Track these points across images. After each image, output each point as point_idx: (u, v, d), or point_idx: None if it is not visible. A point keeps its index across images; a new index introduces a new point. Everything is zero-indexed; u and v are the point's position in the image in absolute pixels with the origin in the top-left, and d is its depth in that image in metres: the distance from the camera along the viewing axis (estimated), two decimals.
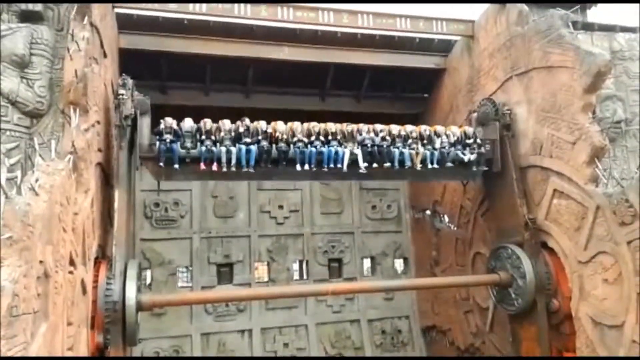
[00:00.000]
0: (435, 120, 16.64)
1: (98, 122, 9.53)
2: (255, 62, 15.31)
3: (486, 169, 13.04)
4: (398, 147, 12.44)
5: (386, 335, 17.41)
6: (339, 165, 11.92)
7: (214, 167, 11.17)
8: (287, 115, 16.63)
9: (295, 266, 17.73)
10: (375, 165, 12.17)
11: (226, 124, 11.56)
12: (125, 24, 13.47)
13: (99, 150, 9.64)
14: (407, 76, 16.73)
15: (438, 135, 12.84)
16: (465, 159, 12.76)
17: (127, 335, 9.35)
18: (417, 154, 12.43)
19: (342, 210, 18.21)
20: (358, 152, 12.07)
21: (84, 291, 7.94)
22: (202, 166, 11.15)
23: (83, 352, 7.57)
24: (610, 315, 10.45)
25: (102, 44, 10.64)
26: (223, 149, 11.22)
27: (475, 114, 13.63)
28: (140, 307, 9.75)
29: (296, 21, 14.06)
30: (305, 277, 17.63)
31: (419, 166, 12.42)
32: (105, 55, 10.99)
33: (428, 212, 17.35)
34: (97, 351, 8.88)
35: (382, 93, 17.38)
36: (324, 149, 11.88)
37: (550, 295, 11.93)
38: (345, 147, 12.12)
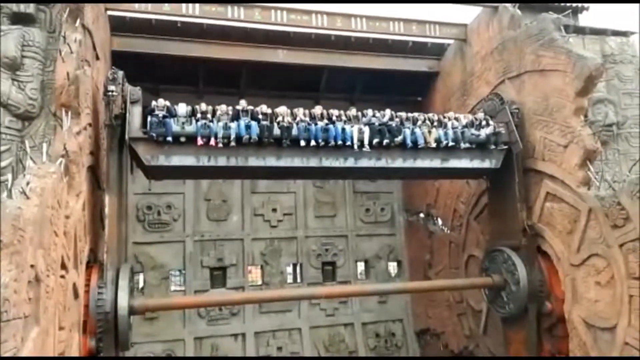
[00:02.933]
0: None
1: (90, 125, 9.47)
2: (248, 65, 15.29)
3: (505, 147, 12.43)
4: (409, 127, 11.87)
5: (380, 338, 17.39)
6: (347, 143, 11.23)
7: (212, 142, 10.47)
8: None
9: (289, 269, 17.69)
10: (386, 141, 11.47)
11: (222, 107, 10.97)
12: (118, 27, 13.42)
13: (91, 153, 9.58)
14: (401, 80, 16.77)
15: (449, 117, 12.48)
16: (483, 134, 12.22)
17: (119, 340, 9.28)
18: (429, 132, 11.90)
19: (336, 213, 18.19)
20: (366, 130, 11.41)
21: (76, 295, 7.87)
22: (200, 141, 10.46)
23: (75, 356, 7.49)
24: (603, 317, 10.49)
25: (94, 46, 10.59)
26: (220, 123, 10.60)
27: (481, 109, 13.30)
28: (132, 311, 9.67)
29: (290, 24, 14.06)
30: (299, 280, 17.58)
31: (433, 144, 11.83)
32: (97, 58, 10.94)
33: (422, 215, 17.37)
34: (89, 355, 8.80)
35: (376, 96, 17.39)
36: (330, 126, 11.26)
37: (542, 301, 11.97)
38: (352, 126, 11.47)
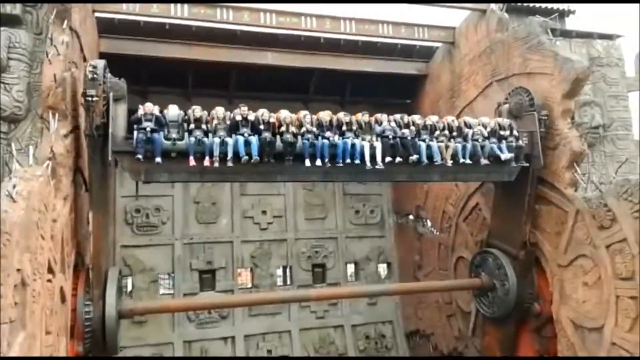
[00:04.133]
0: None
1: (77, 128, 9.38)
2: (237, 68, 15.27)
3: (526, 164, 11.56)
4: (424, 140, 10.87)
5: (370, 340, 17.40)
6: (357, 162, 10.23)
7: (206, 161, 9.33)
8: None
9: (279, 272, 17.64)
10: (398, 159, 10.48)
11: (219, 111, 9.82)
12: (106, 29, 13.33)
13: (79, 155, 9.49)
14: (390, 82, 16.83)
15: (469, 126, 11.46)
16: (503, 157, 11.21)
17: (107, 344, 9.20)
18: (446, 147, 10.91)
19: (326, 215, 18.19)
20: (378, 144, 10.43)
21: (63, 300, 7.79)
22: (192, 161, 9.31)
23: None
24: (590, 318, 10.60)
25: (81, 48, 10.51)
26: (216, 139, 9.38)
27: (506, 106, 12.21)
28: (120, 315, 9.60)
29: (279, 27, 14.05)
30: (289, 282, 17.54)
31: (449, 162, 10.88)
32: (85, 60, 10.84)
33: (411, 217, 17.44)
34: (82, 356, 8.72)
35: (365, 99, 17.43)
36: (339, 141, 10.16)
37: (529, 306, 12.12)
38: (363, 139, 10.45)
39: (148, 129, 9.14)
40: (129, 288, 15.66)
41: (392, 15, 15.59)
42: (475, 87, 13.97)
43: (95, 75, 8.39)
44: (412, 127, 10.92)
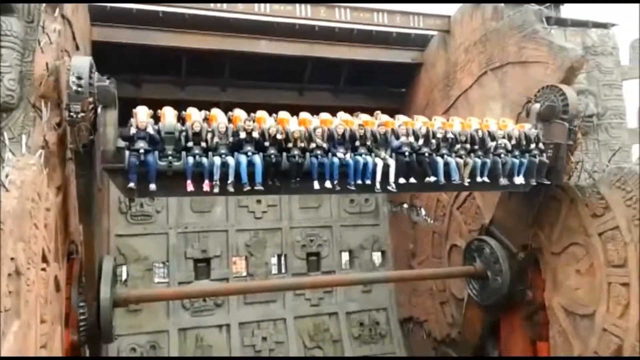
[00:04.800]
0: (412, 115, 16.73)
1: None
2: (232, 56, 15.15)
3: (547, 183, 10.81)
4: (443, 155, 10.07)
5: (364, 327, 17.53)
6: (367, 182, 9.49)
7: (205, 185, 8.64)
8: (265, 110, 16.62)
9: (274, 260, 17.70)
10: (413, 180, 9.77)
11: (221, 123, 8.91)
12: (98, 16, 13.20)
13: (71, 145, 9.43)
14: (385, 71, 16.78)
15: (493, 138, 10.57)
16: (517, 181, 10.55)
17: (102, 332, 9.23)
18: (465, 164, 10.16)
19: (320, 204, 18.22)
20: (392, 162, 9.61)
21: (58, 288, 7.80)
22: (189, 186, 8.60)
23: (57, 349, 7.45)
24: (582, 305, 10.72)
25: (74, 36, 10.40)
26: (217, 160, 8.57)
27: (536, 105, 11.28)
28: (115, 303, 9.62)
29: (273, 14, 13.94)
30: (283, 271, 17.60)
31: (467, 181, 10.23)
32: (77, 48, 10.75)
33: (405, 205, 17.49)
34: (72, 348, 8.75)
35: (360, 87, 17.39)
36: (350, 160, 9.34)
37: (521, 295, 12.25)
38: (377, 154, 9.61)
39: (141, 150, 8.33)
40: (124, 277, 15.69)
41: (387, 3, 15.50)
42: (470, 75, 13.95)
43: (79, 88, 7.30)
44: (433, 141, 10.04)
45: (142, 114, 8.71)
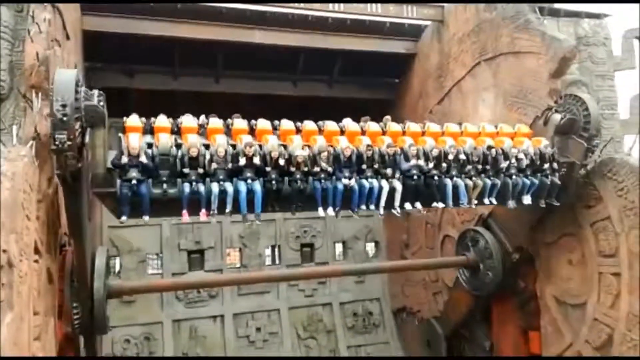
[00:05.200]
0: (405, 106, 16.77)
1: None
2: (224, 46, 15.05)
3: (556, 204, 10.46)
4: (452, 177, 9.60)
5: (358, 317, 17.63)
6: (372, 207, 9.18)
7: (202, 214, 8.30)
8: (258, 101, 16.57)
9: (268, 252, 17.72)
10: (418, 205, 9.49)
11: (220, 147, 8.30)
12: (89, 5, 13.02)
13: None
14: (379, 62, 16.73)
15: (506, 157, 9.98)
16: (525, 200, 10.18)
17: (96, 324, 9.21)
18: (474, 186, 9.71)
19: None
20: (398, 186, 9.16)
21: (50, 280, 7.76)
22: (185, 216, 8.24)
23: (50, 341, 7.43)
24: (574, 295, 10.84)
25: (64, 26, 10.27)
26: (215, 188, 8.14)
27: (557, 117, 10.58)
28: (108, 295, 9.59)
29: (266, 4, 13.84)
30: (277, 262, 17.64)
31: (474, 203, 9.91)
32: (68, 38, 10.62)
33: None
34: (65, 340, 8.73)
35: (354, 78, 17.35)
36: (355, 184, 8.89)
37: (514, 284, 12.32)
38: (384, 176, 9.14)
39: (134, 181, 7.83)
40: (117, 268, 15.65)
41: None
42: (463, 66, 13.94)
43: (64, 117, 6.47)
44: (444, 164, 9.48)
45: (134, 139, 7.94)
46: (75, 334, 9.07)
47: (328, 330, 17.07)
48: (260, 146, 8.68)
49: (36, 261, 6.84)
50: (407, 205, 9.42)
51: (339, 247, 18.63)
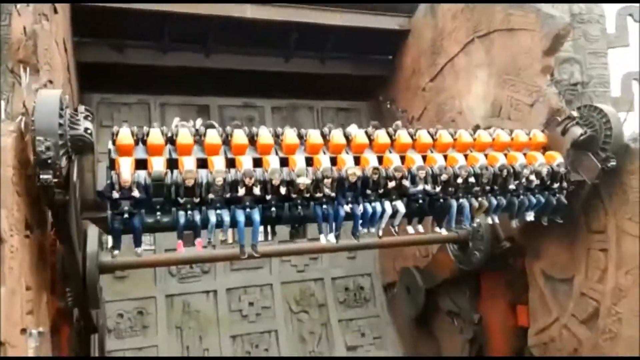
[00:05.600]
0: (398, 83, 16.71)
1: (50, 82, 9.12)
2: (215, 21, 14.84)
3: (560, 222, 10.36)
4: (458, 198, 9.27)
5: (349, 292, 17.83)
6: (372, 230, 9.16)
7: (197, 244, 8.24)
8: (249, 77, 16.45)
9: (260, 227, 17.74)
10: (420, 228, 9.49)
11: (218, 176, 7.73)
12: None
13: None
14: (372, 38, 16.58)
15: (517, 177, 9.51)
16: (528, 217, 10.04)
17: (89, 299, 9.28)
18: (480, 207, 9.41)
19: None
20: (401, 208, 8.88)
21: (42, 255, 7.78)
22: (180, 247, 8.28)
23: (44, 316, 7.48)
24: (562, 270, 11.03)
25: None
26: (212, 218, 7.90)
27: (576, 130, 9.96)
28: (101, 270, 9.65)
29: None
30: (269, 238, 17.68)
31: (476, 222, 9.94)
32: (56, 11, 10.43)
33: None
34: (59, 315, 8.81)
35: (347, 54, 17.21)
36: (357, 208, 8.64)
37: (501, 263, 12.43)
38: (388, 197, 8.77)
39: (126, 215, 7.57)
40: (109, 244, 15.66)
41: None
42: (456, 43, 13.85)
43: (49, 160, 6.13)
44: (451, 188, 9.11)
45: (126, 172, 7.38)
46: (69, 309, 9.15)
47: (320, 305, 17.27)
48: (260, 168, 8.29)
49: (27, 236, 6.85)
50: (409, 229, 9.42)
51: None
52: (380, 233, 9.29)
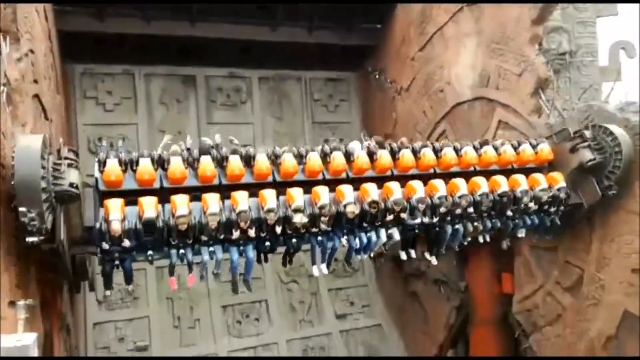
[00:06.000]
0: (387, 52, 16.55)
1: (32, 52, 8.90)
2: None
3: (548, 238, 10.61)
4: (455, 223, 9.17)
5: (338, 262, 17.94)
6: (364, 256, 9.33)
7: (189, 279, 8.04)
8: (235, 46, 16.17)
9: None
10: (413, 254, 9.43)
11: (211, 220, 7.42)
12: None
13: (35, 81, 9.07)
14: (361, 6, 16.34)
15: (516, 203, 9.36)
16: (519, 235, 10.09)
17: (78, 272, 9.23)
18: (474, 229, 9.40)
19: (295, 144, 18.09)
20: (396, 235, 8.80)
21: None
22: (174, 284, 8.29)
23: (33, 288, 7.46)
24: (547, 239, 11.18)
25: None
26: (205, 256, 7.72)
27: (587, 155, 9.57)
28: None
29: None
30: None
31: (467, 241, 9.75)
32: None
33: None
34: (49, 286, 8.78)
35: (335, 24, 16.95)
36: (353, 241, 8.50)
37: None
38: (384, 225, 8.62)
39: (117, 262, 7.46)
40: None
41: None
42: (445, 12, 13.69)
43: (34, 229, 6.02)
44: (449, 217, 9.01)
45: (116, 222, 7.03)
46: (59, 281, 9.15)
47: (309, 275, 17.44)
48: (255, 198, 7.98)
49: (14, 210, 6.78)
50: (402, 255, 9.40)
51: None
52: (372, 254, 9.29)
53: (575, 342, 10.59)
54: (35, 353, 5.23)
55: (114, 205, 7.22)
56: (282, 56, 17.10)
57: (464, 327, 14.09)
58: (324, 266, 8.70)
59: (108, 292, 8.15)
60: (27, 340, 5.23)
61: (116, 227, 6.99)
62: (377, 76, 16.98)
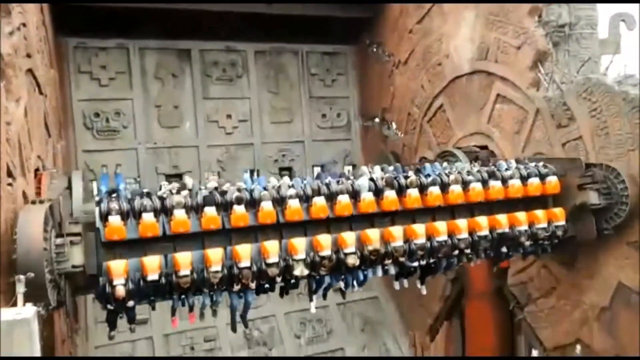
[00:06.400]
0: (385, 25, 16.33)
1: (24, 25, 8.76)
2: None
3: (536, 258, 10.88)
4: (450, 258, 9.32)
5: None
6: (359, 289, 9.37)
7: (190, 317, 8.08)
8: (228, 20, 15.89)
9: (246, 176, 17.72)
10: (406, 284, 9.54)
11: (213, 276, 7.38)
12: None
13: (28, 55, 8.95)
14: None
15: (513, 241, 9.35)
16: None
17: None
18: (468, 261, 9.60)
19: (292, 119, 18.09)
20: (393, 271, 9.06)
21: (26, 203, 7.71)
22: (175, 322, 8.34)
23: None
24: None
25: None
26: (207, 301, 7.85)
27: (593, 197, 9.43)
28: None
29: None
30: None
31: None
32: None
33: (377, 120, 17.48)
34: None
35: (330, 5, 16.62)
36: (350, 279, 8.66)
37: None
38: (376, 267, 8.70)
39: (120, 315, 7.69)
40: (95, 192, 15.56)
41: None
42: None
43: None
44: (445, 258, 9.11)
45: (120, 286, 7.06)
46: None
47: None
48: (256, 245, 7.99)
49: (10, 184, 6.78)
50: (396, 285, 9.51)
51: (317, 171, 18.73)
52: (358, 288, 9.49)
53: (570, 313, 10.74)
54: (35, 326, 5.26)
55: (117, 269, 7.08)
56: (279, 29, 16.86)
57: (459, 299, 14.25)
58: (316, 303, 8.92)
59: (113, 333, 8.22)
60: (27, 313, 5.25)
61: (121, 292, 6.99)
62: (374, 49, 16.79)
